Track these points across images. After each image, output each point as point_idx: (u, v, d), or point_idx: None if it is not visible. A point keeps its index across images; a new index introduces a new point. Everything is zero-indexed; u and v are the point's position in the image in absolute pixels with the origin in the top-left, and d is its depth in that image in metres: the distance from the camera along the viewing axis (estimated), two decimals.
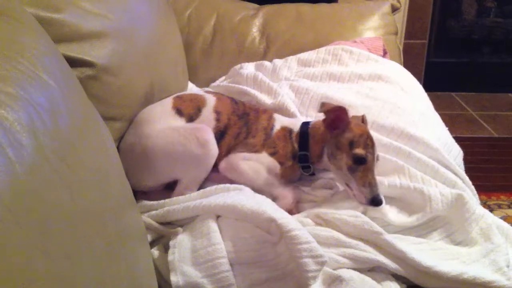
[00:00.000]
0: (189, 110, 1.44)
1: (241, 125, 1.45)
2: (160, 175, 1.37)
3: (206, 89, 1.89)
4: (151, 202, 1.29)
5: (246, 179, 1.36)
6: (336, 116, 1.33)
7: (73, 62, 1.19)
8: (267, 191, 1.34)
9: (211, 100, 1.48)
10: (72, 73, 0.99)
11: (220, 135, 1.42)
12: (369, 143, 1.31)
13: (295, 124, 1.48)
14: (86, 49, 1.27)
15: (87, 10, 1.33)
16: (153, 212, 1.24)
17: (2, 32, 0.82)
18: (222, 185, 1.28)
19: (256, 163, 1.38)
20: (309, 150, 1.41)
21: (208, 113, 1.44)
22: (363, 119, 1.44)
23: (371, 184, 1.26)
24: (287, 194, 1.34)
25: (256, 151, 1.41)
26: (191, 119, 1.42)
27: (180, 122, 1.41)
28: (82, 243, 0.75)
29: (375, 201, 1.25)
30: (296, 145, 1.43)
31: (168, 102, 1.48)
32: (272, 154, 1.41)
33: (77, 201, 0.76)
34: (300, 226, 1.11)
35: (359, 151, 1.28)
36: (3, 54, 0.78)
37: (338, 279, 1.07)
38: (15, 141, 0.67)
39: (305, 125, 1.45)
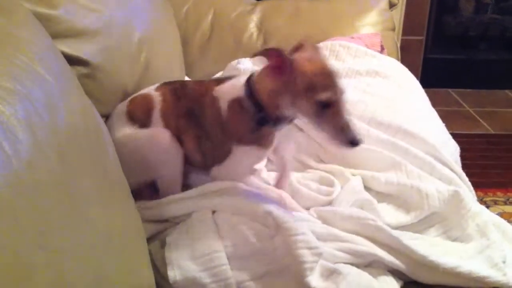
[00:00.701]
0: (138, 113, 1.33)
1: (193, 126, 1.29)
2: (132, 177, 1.21)
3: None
4: (148, 201, 1.28)
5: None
6: (275, 61, 1.14)
7: (69, 61, 1.19)
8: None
9: (157, 101, 1.33)
10: (69, 68, 0.99)
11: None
12: (329, 80, 1.11)
13: (238, 89, 1.25)
14: (81, 46, 1.27)
15: (84, 5, 1.33)
16: (150, 211, 1.24)
17: (0, 28, 0.82)
18: (219, 182, 1.27)
19: (239, 166, 1.27)
20: (264, 109, 1.20)
21: (156, 121, 1.31)
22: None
23: (345, 126, 1.10)
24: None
25: (228, 151, 1.25)
26: (142, 125, 1.32)
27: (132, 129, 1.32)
28: (80, 238, 0.75)
29: (354, 142, 1.09)
30: (251, 109, 1.21)
31: (122, 108, 1.37)
32: (239, 142, 1.24)
33: (74, 196, 0.76)
34: (296, 219, 1.12)
35: (320, 96, 1.09)
36: (0, 49, 0.78)
37: (336, 272, 1.07)
38: (12, 135, 0.67)
39: (248, 84, 1.23)
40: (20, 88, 0.73)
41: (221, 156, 1.26)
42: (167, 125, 1.30)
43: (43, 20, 1.13)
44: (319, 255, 1.07)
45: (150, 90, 1.37)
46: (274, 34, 2.25)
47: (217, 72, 2.12)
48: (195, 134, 1.29)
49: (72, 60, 1.23)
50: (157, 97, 1.34)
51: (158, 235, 1.21)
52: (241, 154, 1.25)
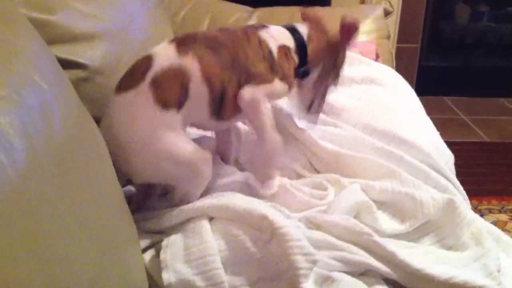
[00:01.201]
0: (173, 95, 1.15)
1: (239, 73, 1.24)
2: (150, 176, 1.21)
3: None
4: (146, 212, 1.27)
5: (260, 123, 1.28)
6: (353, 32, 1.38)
7: (66, 64, 1.19)
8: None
9: (195, 69, 1.17)
10: (65, 75, 0.99)
11: (219, 100, 1.22)
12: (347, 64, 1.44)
13: (288, 39, 1.37)
14: (79, 51, 1.27)
15: (81, 11, 1.33)
16: (147, 222, 1.23)
17: None
18: (217, 193, 1.27)
19: (270, 93, 1.30)
20: (307, 63, 1.40)
21: (197, 88, 1.17)
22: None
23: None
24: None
25: (268, 81, 1.29)
26: (180, 104, 1.16)
27: (170, 115, 1.15)
28: (74, 248, 0.75)
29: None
30: (296, 60, 1.38)
31: (145, 91, 1.14)
32: (282, 79, 1.32)
33: (69, 205, 0.76)
34: (291, 224, 1.12)
35: (341, 71, 1.41)
36: None
37: (330, 279, 1.07)
38: (7, 144, 0.66)
39: (299, 37, 1.39)
40: (15, 96, 0.73)
41: (258, 80, 1.28)
42: (211, 89, 1.19)
43: (40, 25, 1.14)
44: (314, 262, 1.07)
45: (173, 59, 1.17)
46: None
47: None
48: (238, 81, 1.24)
49: (70, 64, 1.23)
50: (191, 65, 1.17)
51: (154, 245, 1.21)
52: (276, 85, 1.31)
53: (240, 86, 1.25)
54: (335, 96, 1.66)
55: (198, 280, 1.05)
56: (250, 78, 1.26)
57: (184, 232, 1.16)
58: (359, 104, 1.62)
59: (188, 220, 1.19)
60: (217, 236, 1.13)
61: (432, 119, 1.74)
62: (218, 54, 1.21)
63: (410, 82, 1.96)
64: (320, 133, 1.51)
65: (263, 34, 1.32)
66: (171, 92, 1.15)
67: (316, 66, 1.40)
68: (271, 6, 2.44)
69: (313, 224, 1.22)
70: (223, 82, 1.21)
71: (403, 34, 3.86)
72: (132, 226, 1.08)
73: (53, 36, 1.20)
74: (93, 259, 0.81)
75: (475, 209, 2.54)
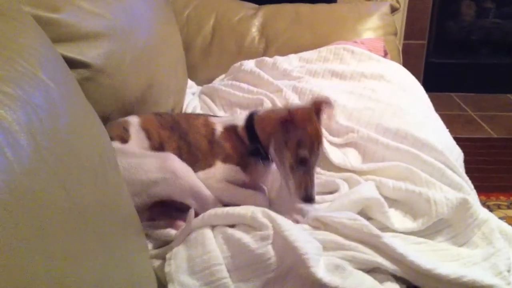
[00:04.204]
0: (116, 132, 1.32)
1: (176, 138, 1.36)
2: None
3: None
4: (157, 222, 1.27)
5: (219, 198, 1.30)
6: (289, 116, 1.26)
7: (70, 63, 1.19)
8: (241, 200, 1.29)
9: (134, 119, 1.37)
10: (70, 73, 0.99)
11: None
12: (316, 144, 1.26)
13: (237, 119, 1.40)
14: (83, 50, 1.26)
15: (86, 9, 1.33)
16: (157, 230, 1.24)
17: (1, 32, 0.82)
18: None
19: (216, 180, 1.31)
20: (260, 142, 1.34)
21: (136, 132, 1.34)
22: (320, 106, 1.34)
23: (307, 186, 1.25)
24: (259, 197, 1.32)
25: (210, 165, 1.32)
26: (123, 140, 1.32)
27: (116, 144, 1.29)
28: (80, 244, 0.75)
29: (307, 199, 1.25)
30: (246, 140, 1.35)
31: None
32: (224, 160, 1.33)
33: (75, 202, 0.76)
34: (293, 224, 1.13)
35: (303, 152, 1.24)
36: (2, 54, 0.78)
37: (341, 267, 1.07)
38: (13, 141, 0.67)
39: (250, 117, 1.37)
40: (22, 93, 0.73)
41: (201, 166, 1.33)
42: (148, 137, 1.34)
43: (45, 24, 1.13)
44: (319, 248, 1.07)
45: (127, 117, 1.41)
46: (276, 38, 2.26)
47: (219, 75, 2.12)
48: (176, 145, 1.35)
49: (74, 63, 1.23)
50: (132, 118, 1.38)
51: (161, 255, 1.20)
52: (221, 169, 1.32)
53: (180, 151, 1.33)
54: (346, 96, 1.66)
55: None
56: (189, 151, 1.34)
57: (186, 242, 1.15)
58: (370, 104, 1.62)
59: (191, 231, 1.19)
60: (220, 241, 1.13)
61: (439, 115, 1.73)
62: (160, 117, 1.40)
63: (417, 79, 1.95)
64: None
65: (212, 117, 1.44)
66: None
67: (271, 145, 1.31)
68: (276, 3, 2.43)
69: (320, 223, 1.22)
70: (160, 137, 1.35)
71: (410, 30, 3.85)
72: (137, 224, 1.08)
73: (58, 34, 1.19)
74: (100, 258, 0.80)
75: (483, 204, 2.52)
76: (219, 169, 1.32)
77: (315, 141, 1.26)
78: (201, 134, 1.37)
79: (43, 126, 0.74)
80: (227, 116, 1.49)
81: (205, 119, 1.42)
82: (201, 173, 1.30)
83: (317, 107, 1.32)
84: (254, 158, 1.35)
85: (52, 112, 0.79)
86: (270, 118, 1.32)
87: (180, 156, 1.31)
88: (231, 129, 1.37)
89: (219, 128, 1.38)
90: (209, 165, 1.33)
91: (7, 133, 0.66)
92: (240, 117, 1.40)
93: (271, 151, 1.31)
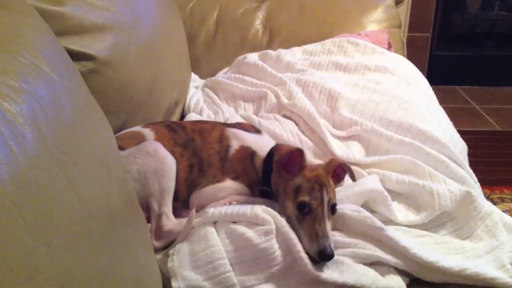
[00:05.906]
0: (130, 145, 1.29)
1: (190, 155, 1.31)
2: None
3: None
4: None
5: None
6: (289, 159, 1.20)
7: (75, 56, 1.19)
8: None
9: (148, 132, 1.34)
10: (74, 66, 0.99)
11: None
12: (316, 187, 1.15)
13: (261, 146, 1.33)
14: (88, 42, 1.26)
15: (90, 2, 1.33)
16: None
17: (5, 25, 0.82)
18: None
19: (227, 193, 1.28)
20: (270, 185, 1.27)
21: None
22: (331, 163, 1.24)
23: (318, 236, 1.09)
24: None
25: (219, 181, 1.29)
26: None
27: None
28: (84, 236, 0.75)
29: (322, 255, 1.07)
30: (259, 174, 1.29)
31: None
32: (235, 179, 1.30)
33: (79, 194, 0.76)
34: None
35: (302, 197, 1.14)
36: (6, 47, 0.78)
37: (339, 262, 1.08)
38: (18, 133, 0.67)
39: (270, 153, 1.30)
40: (26, 86, 0.73)
41: (210, 180, 1.30)
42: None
43: (49, 17, 1.14)
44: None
45: (137, 127, 1.39)
46: (280, 31, 2.26)
47: (222, 68, 2.12)
48: (188, 163, 1.31)
49: (79, 56, 1.23)
50: (147, 132, 1.35)
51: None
52: (231, 184, 1.29)
53: (192, 172, 1.30)
54: (349, 88, 1.66)
55: (208, 286, 1.05)
56: (201, 168, 1.30)
57: (189, 237, 1.16)
58: (373, 96, 1.61)
59: (193, 227, 1.19)
60: (223, 236, 1.13)
61: (443, 108, 1.73)
62: (174, 132, 1.35)
63: (421, 71, 1.94)
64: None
65: (230, 130, 1.37)
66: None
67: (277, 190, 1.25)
68: None
69: None
70: (173, 154, 1.28)
71: (414, 23, 3.84)
72: (141, 217, 1.08)
73: (62, 27, 1.20)
74: (105, 251, 0.81)
75: (487, 198, 2.52)
76: (229, 184, 1.29)
77: (315, 182, 1.16)
78: (214, 150, 1.32)
79: (47, 118, 0.74)
80: (243, 123, 1.44)
81: (221, 132, 1.36)
82: (211, 187, 1.28)
83: (332, 167, 1.22)
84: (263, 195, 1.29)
85: (56, 105, 0.79)
86: (279, 164, 1.23)
87: (189, 172, 1.29)
88: (247, 153, 1.31)
89: (234, 145, 1.32)
90: (218, 180, 1.29)
91: (11, 125, 0.66)
92: (261, 142, 1.35)
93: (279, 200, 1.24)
